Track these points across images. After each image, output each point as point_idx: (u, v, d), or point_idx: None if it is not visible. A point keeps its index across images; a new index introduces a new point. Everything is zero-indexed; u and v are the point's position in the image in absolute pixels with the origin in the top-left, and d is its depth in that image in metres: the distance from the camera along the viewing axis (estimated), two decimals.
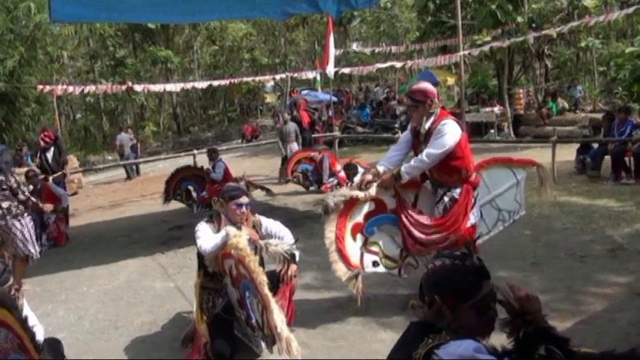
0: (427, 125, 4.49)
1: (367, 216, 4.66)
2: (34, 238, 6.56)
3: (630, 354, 1.83)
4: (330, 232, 4.58)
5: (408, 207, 4.62)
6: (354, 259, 4.65)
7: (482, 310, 1.97)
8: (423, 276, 2.11)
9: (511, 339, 1.89)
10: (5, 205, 6.25)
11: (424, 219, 4.52)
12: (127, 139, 18.97)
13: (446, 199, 4.54)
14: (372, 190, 4.54)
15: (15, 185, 6.34)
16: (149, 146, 30.29)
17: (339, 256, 4.58)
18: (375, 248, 4.70)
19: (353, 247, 4.64)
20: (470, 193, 4.51)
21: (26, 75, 22.74)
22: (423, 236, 4.46)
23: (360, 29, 35.79)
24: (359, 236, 4.66)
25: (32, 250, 6.42)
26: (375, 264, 4.72)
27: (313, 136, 15.62)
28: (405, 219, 4.53)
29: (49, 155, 10.19)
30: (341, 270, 4.61)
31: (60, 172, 10.22)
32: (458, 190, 4.51)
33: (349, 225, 4.63)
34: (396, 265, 4.75)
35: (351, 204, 4.61)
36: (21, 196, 6.32)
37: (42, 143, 10.20)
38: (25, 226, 6.37)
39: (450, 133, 4.35)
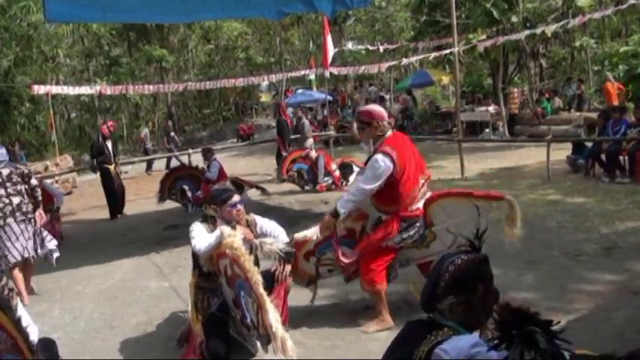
0: (372, 150, 4.54)
1: (317, 245, 4.74)
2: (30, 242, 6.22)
3: (629, 356, 1.84)
4: None
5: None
6: (309, 272, 4.84)
7: (496, 295, 2.10)
8: (454, 269, 2.12)
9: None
10: (16, 201, 6.04)
11: (353, 254, 4.57)
12: (147, 133, 19.23)
13: (373, 218, 4.62)
14: (319, 235, 4.59)
15: (27, 171, 6.30)
16: (144, 146, 30.21)
17: (294, 272, 4.64)
18: (328, 261, 4.78)
19: (307, 265, 4.81)
20: (396, 223, 4.45)
21: (21, 74, 22.69)
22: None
23: (355, 28, 35.81)
24: (312, 258, 4.79)
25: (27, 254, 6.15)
26: (330, 271, 4.85)
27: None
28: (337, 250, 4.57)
29: (110, 146, 10.74)
30: (298, 278, 4.80)
31: (115, 163, 10.87)
32: (386, 217, 4.52)
33: (301, 254, 4.75)
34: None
35: (302, 245, 4.70)
36: (33, 181, 6.20)
37: (107, 132, 10.73)
38: (24, 231, 6.10)
39: (379, 170, 4.32)
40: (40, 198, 6.34)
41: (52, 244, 6.38)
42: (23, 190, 6.13)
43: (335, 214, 4.45)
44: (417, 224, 4.52)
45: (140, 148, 21.56)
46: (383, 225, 4.49)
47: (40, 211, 6.33)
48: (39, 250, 6.26)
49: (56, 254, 6.38)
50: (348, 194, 4.49)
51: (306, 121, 13.93)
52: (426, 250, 4.62)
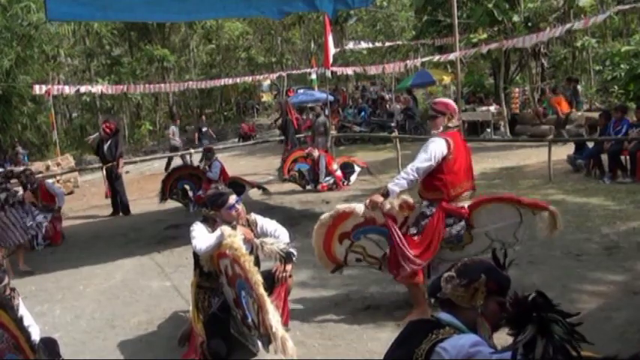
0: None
1: (355, 227, 4.78)
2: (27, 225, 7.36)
3: (633, 359, 1.85)
4: (317, 242, 4.82)
5: (401, 234, 4.53)
6: (339, 256, 4.90)
7: (503, 307, 2.16)
8: (468, 260, 2.39)
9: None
10: (3, 196, 7.03)
11: (410, 252, 4.44)
12: (175, 130, 19.00)
13: (417, 211, 4.63)
14: (364, 211, 4.63)
15: (7, 169, 7.43)
16: (145, 145, 30.23)
17: (324, 253, 4.87)
18: (359, 249, 4.87)
19: (339, 249, 4.87)
20: (441, 220, 4.48)
21: (22, 74, 22.70)
22: (406, 266, 4.42)
23: (357, 28, 35.78)
24: (345, 241, 4.84)
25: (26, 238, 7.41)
26: (358, 260, 4.93)
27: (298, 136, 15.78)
28: (397, 247, 4.46)
29: (105, 146, 10.89)
30: (326, 264, 4.95)
31: (111, 163, 10.89)
32: (431, 209, 4.54)
33: (337, 233, 4.81)
34: (378, 263, 4.89)
35: (344, 218, 4.75)
36: (16, 170, 7.44)
37: (103, 134, 10.96)
38: (23, 215, 7.22)
39: (433, 150, 4.44)
40: (25, 181, 8.23)
41: (39, 217, 7.49)
42: (8, 187, 7.32)
43: (385, 193, 4.48)
44: (461, 223, 4.56)
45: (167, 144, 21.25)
46: (431, 218, 4.49)
47: (27, 192, 7.87)
48: (25, 237, 7.38)
49: (45, 223, 7.67)
50: (401, 173, 4.53)
51: (325, 120, 13.73)
52: (459, 253, 4.61)
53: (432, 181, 4.54)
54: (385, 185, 4.54)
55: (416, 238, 4.49)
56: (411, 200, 4.62)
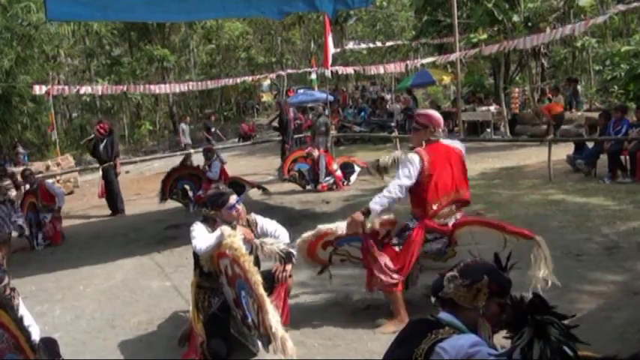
0: None
1: (338, 237, 4.79)
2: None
3: (632, 359, 1.86)
4: (301, 252, 4.88)
5: (377, 250, 4.56)
6: (323, 258, 4.98)
7: (504, 309, 2.19)
8: (471, 260, 2.44)
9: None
10: None
11: (388, 261, 4.47)
12: (185, 128, 18.96)
13: (401, 222, 4.66)
14: (344, 231, 4.63)
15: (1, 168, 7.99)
16: (145, 145, 30.23)
17: (309, 259, 4.99)
18: (343, 252, 4.91)
19: (323, 253, 4.95)
20: (421, 236, 4.48)
21: (22, 74, 22.71)
22: (384, 278, 4.44)
23: (357, 28, 35.81)
24: (329, 247, 4.89)
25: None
26: (342, 260, 4.98)
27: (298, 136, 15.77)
28: (371, 259, 4.51)
29: (101, 146, 10.92)
30: (311, 264, 5.10)
31: (108, 163, 10.95)
32: (414, 222, 4.56)
33: (320, 244, 4.88)
34: (362, 262, 4.87)
35: (326, 235, 4.80)
36: (9, 170, 7.90)
37: (97, 134, 10.96)
38: (11, 212, 7.89)
39: (409, 167, 4.41)
40: (18, 182, 8.94)
41: (19, 220, 8.13)
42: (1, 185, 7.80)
43: (366, 211, 4.45)
44: (443, 240, 4.54)
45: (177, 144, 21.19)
46: (411, 231, 4.50)
47: (19, 192, 8.68)
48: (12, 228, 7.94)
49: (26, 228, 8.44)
50: (384, 192, 4.47)
51: (327, 119, 13.70)
52: (442, 264, 4.62)
53: (413, 197, 4.55)
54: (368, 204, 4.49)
55: (397, 248, 4.50)
56: (392, 217, 4.63)
